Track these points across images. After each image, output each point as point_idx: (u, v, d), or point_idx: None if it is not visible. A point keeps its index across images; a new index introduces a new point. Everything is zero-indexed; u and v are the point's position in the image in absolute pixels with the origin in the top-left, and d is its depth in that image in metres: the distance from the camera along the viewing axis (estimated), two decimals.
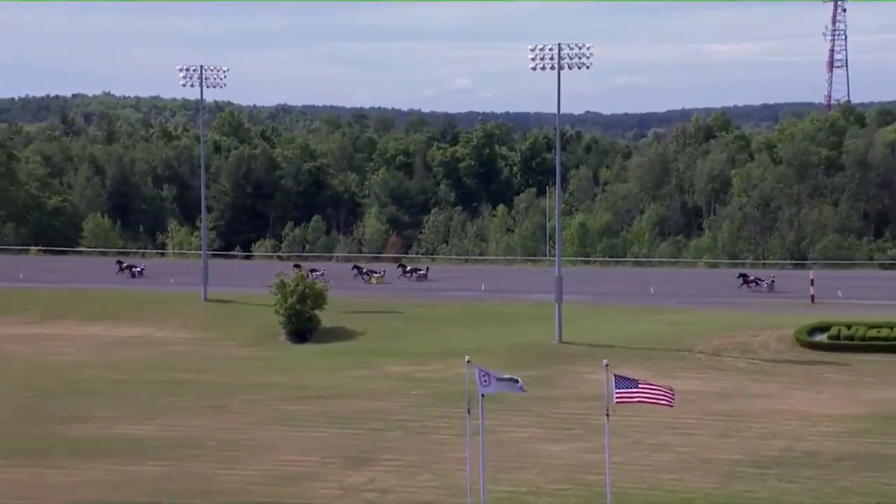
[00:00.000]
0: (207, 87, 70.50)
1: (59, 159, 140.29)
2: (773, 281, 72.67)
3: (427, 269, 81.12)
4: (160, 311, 68.35)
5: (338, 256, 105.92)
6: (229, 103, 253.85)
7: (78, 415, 41.03)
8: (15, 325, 65.50)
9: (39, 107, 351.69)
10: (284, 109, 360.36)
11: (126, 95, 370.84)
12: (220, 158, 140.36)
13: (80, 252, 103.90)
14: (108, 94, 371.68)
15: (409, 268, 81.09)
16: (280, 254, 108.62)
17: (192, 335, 63.82)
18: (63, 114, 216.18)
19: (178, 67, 70.40)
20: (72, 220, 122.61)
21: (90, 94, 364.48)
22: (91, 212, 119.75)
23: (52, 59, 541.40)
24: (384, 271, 79.32)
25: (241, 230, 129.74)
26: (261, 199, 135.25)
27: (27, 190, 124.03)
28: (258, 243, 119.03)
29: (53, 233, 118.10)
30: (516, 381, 28.18)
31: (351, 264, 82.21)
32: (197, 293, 70.43)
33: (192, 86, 70.46)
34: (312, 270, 78.41)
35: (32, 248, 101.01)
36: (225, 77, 70.55)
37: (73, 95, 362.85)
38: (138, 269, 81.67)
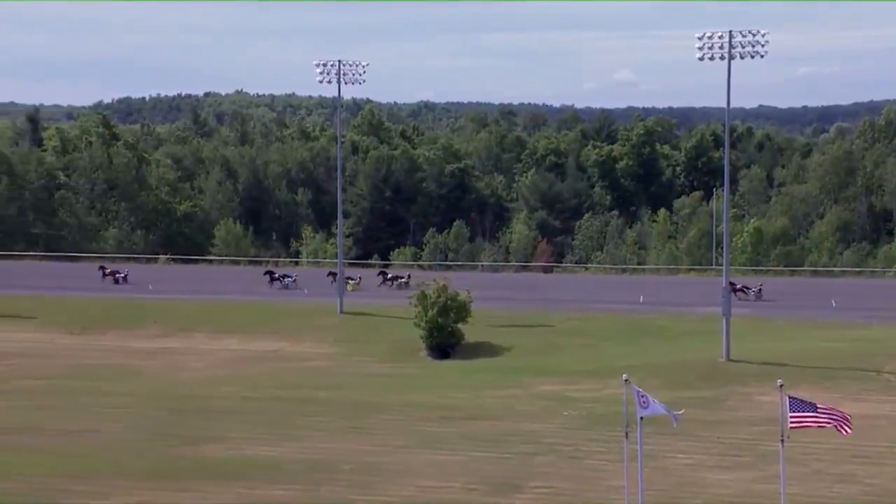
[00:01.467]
0: (345, 83, 71.57)
1: (190, 162, 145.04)
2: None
3: (409, 276, 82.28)
4: (294, 323, 69.87)
5: (482, 265, 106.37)
6: (368, 101, 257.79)
7: (210, 435, 42.22)
8: (144, 338, 68.02)
9: (171, 107, 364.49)
10: (427, 107, 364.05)
11: (260, 94, 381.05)
12: (358, 160, 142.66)
13: (210, 261, 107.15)
14: (241, 93, 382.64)
15: (389, 275, 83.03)
16: (421, 262, 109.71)
17: (328, 350, 64.97)
18: (195, 114, 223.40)
19: (314, 63, 71.65)
20: (202, 226, 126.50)
21: (223, 93, 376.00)
22: (222, 218, 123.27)
23: (185, 58, 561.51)
24: (360, 278, 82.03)
25: (380, 237, 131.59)
26: (400, 203, 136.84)
27: (157, 195, 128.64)
28: (397, 251, 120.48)
29: (183, 240, 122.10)
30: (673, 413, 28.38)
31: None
32: (332, 305, 71.68)
33: (330, 83, 71.67)
34: (284, 276, 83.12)
35: (161, 256, 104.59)
36: (364, 73, 71.58)
37: (206, 94, 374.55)
38: (121, 275, 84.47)
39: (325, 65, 71.39)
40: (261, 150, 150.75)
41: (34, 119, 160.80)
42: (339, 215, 78.47)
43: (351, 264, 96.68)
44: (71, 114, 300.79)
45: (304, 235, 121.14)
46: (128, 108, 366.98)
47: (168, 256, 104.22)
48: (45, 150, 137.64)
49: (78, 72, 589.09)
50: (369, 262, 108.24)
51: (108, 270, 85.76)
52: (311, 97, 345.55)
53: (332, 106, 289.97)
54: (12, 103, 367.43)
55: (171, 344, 66.64)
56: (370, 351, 64.11)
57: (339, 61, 71.18)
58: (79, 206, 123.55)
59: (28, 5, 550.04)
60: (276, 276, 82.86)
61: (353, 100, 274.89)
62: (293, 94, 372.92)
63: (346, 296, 72.08)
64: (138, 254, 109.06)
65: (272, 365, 61.07)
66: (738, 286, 73.34)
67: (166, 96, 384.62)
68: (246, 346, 65.94)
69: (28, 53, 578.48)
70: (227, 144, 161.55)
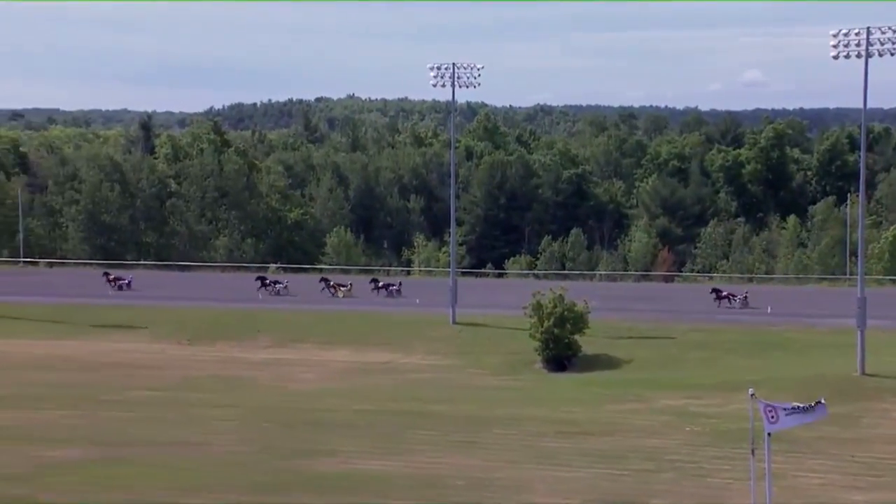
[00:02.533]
0: (459, 87, 71.64)
1: (301, 169, 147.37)
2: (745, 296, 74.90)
3: (400, 283, 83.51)
4: (406, 334, 70.28)
5: (600, 274, 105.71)
6: (483, 104, 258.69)
7: (321, 448, 42.67)
8: (254, 348, 69.18)
9: (282, 112, 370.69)
10: (543, 110, 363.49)
11: (372, 98, 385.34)
12: (472, 166, 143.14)
13: (321, 269, 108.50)
14: (352, 98, 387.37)
15: (381, 283, 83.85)
16: (536, 271, 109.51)
17: (440, 362, 65.17)
18: (306, 119, 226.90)
19: (428, 66, 71.99)
20: (313, 234, 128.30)
21: (334, 98, 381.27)
22: (333, 226, 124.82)
23: (296, 62, 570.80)
24: (351, 284, 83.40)
25: (494, 245, 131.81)
26: (515, 210, 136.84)
27: (268, 203, 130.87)
28: (512, 259, 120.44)
29: (294, 249, 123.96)
30: (816, 405, 27.16)
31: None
32: (445, 315, 71.90)
33: (444, 86, 71.85)
34: (275, 282, 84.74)
35: (272, 265, 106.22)
36: (479, 76, 71.60)
37: (317, 99, 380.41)
38: (125, 281, 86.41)
39: (439, 68, 71.70)
40: (373, 156, 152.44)
41: (146, 126, 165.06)
42: (452, 223, 78.64)
43: (464, 273, 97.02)
44: (183, 120, 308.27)
45: (416, 244, 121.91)
46: (239, 114, 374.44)
47: (278, 265, 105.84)
48: (156, 158, 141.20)
49: (190, 78, 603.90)
50: (483, 271, 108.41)
51: (112, 276, 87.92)
52: (424, 101, 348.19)
53: (445, 110, 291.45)
54: (125, 110, 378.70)
55: (282, 355, 67.56)
56: (483, 363, 64.14)
57: (454, 64, 71.42)
58: (189, 215, 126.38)
59: (141, 11, 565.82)
60: (268, 281, 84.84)
61: (468, 103, 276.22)
62: (406, 98, 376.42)
63: (460, 306, 72.11)
64: (248, 262, 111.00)
65: (383, 377, 61.51)
66: (724, 293, 76.49)
67: (277, 102, 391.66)
68: (357, 358, 66.54)
69: (140, 60, 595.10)
70: (338, 150, 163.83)
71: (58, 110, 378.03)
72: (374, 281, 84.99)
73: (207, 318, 75.06)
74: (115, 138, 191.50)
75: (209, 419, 47.69)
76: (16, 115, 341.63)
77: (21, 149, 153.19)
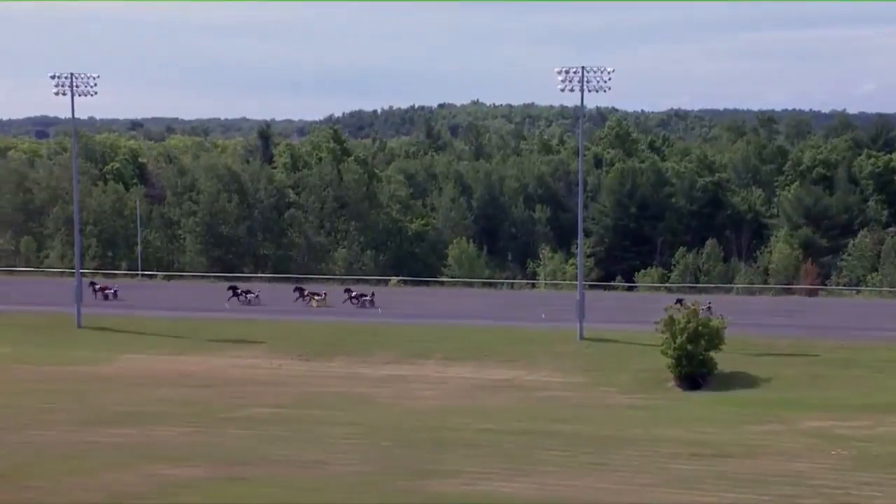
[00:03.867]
0: (588, 91, 71.68)
1: (423, 178, 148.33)
2: None
3: (373, 294, 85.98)
4: (530, 350, 70.27)
5: (738, 287, 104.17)
6: (613, 109, 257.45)
7: (443, 469, 42.83)
8: (374, 364, 69.81)
9: (403, 119, 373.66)
10: (678, 115, 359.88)
11: (497, 104, 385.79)
12: (601, 174, 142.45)
13: (442, 282, 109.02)
14: (476, 104, 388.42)
15: (354, 293, 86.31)
16: (669, 284, 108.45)
17: (567, 379, 65.03)
18: (428, 126, 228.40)
19: (556, 70, 72.20)
20: (434, 246, 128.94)
21: (458, 104, 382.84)
22: (455, 237, 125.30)
23: (419, 67, 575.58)
24: (325, 294, 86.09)
25: (624, 257, 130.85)
26: (647, 220, 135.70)
27: (388, 213, 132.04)
28: (643, 272, 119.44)
29: (414, 261, 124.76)
30: None
31: None
32: (571, 331, 71.71)
33: (572, 91, 71.92)
34: (247, 292, 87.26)
35: (392, 278, 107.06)
36: (609, 79, 71.57)
37: (440, 106, 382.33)
38: (111, 290, 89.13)
39: (567, 71, 71.78)
40: (497, 164, 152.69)
41: (265, 135, 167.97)
42: (579, 234, 78.44)
43: (591, 286, 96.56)
44: (302, 129, 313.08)
45: (541, 255, 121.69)
46: (359, 122, 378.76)
47: (399, 278, 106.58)
48: (275, 168, 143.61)
49: (310, 86, 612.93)
50: (612, 284, 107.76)
51: (99, 286, 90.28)
52: (551, 107, 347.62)
53: (573, 116, 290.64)
54: (244, 119, 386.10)
55: (402, 371, 68.07)
56: (613, 380, 63.80)
57: (583, 67, 71.46)
58: (308, 226, 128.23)
59: (261, 19, 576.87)
60: (239, 291, 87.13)
61: (597, 109, 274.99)
62: (532, 103, 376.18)
63: (587, 321, 71.80)
64: (368, 275, 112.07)
65: (508, 394, 61.51)
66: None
67: (399, 108, 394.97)
68: (479, 374, 66.68)
69: (260, 68, 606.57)
70: (461, 159, 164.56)
71: (177, 119, 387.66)
72: (348, 291, 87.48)
73: (326, 332, 76.03)
74: (234, 148, 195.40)
75: (328, 437, 48.27)
76: (135, 125, 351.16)
77: (140, 159, 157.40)
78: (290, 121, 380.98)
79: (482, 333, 74.42)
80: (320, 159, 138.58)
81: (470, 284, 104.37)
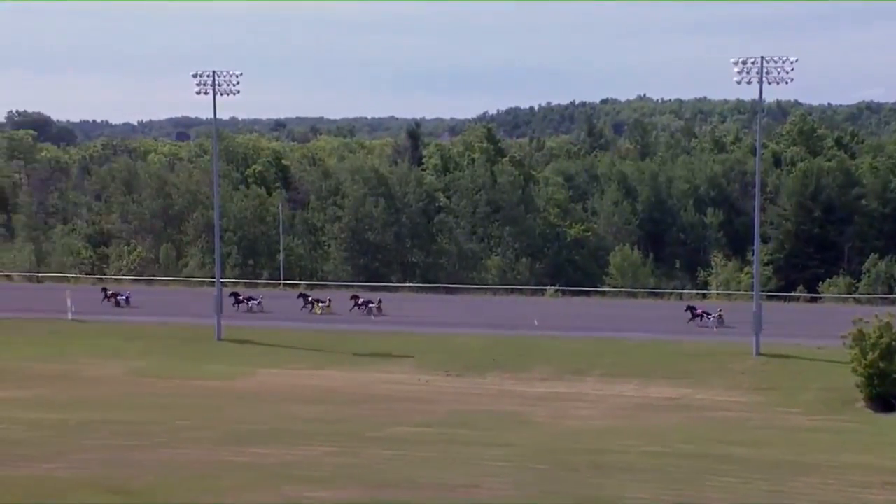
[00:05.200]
0: (768, 83, 70.79)
1: (583, 179, 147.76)
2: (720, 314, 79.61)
3: (380, 301, 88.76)
4: (700, 366, 69.32)
5: None
6: (796, 103, 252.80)
7: (604, 494, 42.32)
8: (529, 381, 69.62)
9: (563, 117, 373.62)
10: (870, 108, 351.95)
11: (665, 99, 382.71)
12: (781, 173, 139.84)
13: (604, 292, 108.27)
14: (643, 99, 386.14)
15: (361, 300, 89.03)
16: (858, 295, 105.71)
17: (741, 398, 64.04)
18: (589, 124, 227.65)
19: (732, 61, 71.46)
20: (595, 253, 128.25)
21: (622, 100, 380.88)
22: (618, 243, 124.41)
23: (580, 61, 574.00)
24: (329, 300, 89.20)
25: (806, 265, 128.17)
26: (833, 224, 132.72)
27: (545, 218, 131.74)
28: (828, 281, 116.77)
29: (573, 269, 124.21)
30: None
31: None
32: (746, 345, 70.59)
33: (749, 83, 71.19)
34: (249, 299, 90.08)
35: (549, 287, 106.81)
36: (791, 70, 70.46)
37: (602, 101, 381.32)
38: (123, 296, 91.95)
39: (744, 62, 70.95)
40: (664, 164, 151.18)
41: (415, 135, 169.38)
42: (756, 239, 77.23)
43: (770, 297, 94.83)
44: (454, 128, 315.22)
45: (713, 263, 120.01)
46: (515, 120, 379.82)
47: (556, 288, 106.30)
48: (424, 169, 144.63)
49: (461, 82, 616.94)
50: (793, 294, 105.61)
51: (110, 292, 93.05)
52: (725, 101, 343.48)
53: (750, 110, 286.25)
54: (392, 118, 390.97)
55: (559, 388, 67.81)
56: (794, 400, 62.59)
57: (762, 58, 70.58)
58: (459, 232, 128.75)
59: (409, 13, 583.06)
60: (241, 298, 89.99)
61: (777, 102, 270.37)
62: (704, 97, 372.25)
63: (766, 335, 70.41)
64: (522, 285, 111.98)
65: (675, 414, 60.76)
66: (699, 311, 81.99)
67: (558, 105, 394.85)
68: (643, 392, 66.13)
69: (409, 64, 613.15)
70: (625, 158, 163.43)
71: (321, 119, 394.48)
72: (355, 297, 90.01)
73: (478, 346, 76.13)
74: (381, 148, 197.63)
75: (479, 459, 48.18)
76: (278, 125, 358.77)
77: (283, 161, 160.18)
78: (440, 119, 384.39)
79: (647, 348, 73.67)
80: (473, 160, 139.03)
81: (634, 295, 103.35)
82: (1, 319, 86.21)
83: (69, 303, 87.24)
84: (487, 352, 74.78)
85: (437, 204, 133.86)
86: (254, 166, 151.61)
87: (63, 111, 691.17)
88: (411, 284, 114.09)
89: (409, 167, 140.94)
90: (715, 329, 79.79)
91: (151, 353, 76.59)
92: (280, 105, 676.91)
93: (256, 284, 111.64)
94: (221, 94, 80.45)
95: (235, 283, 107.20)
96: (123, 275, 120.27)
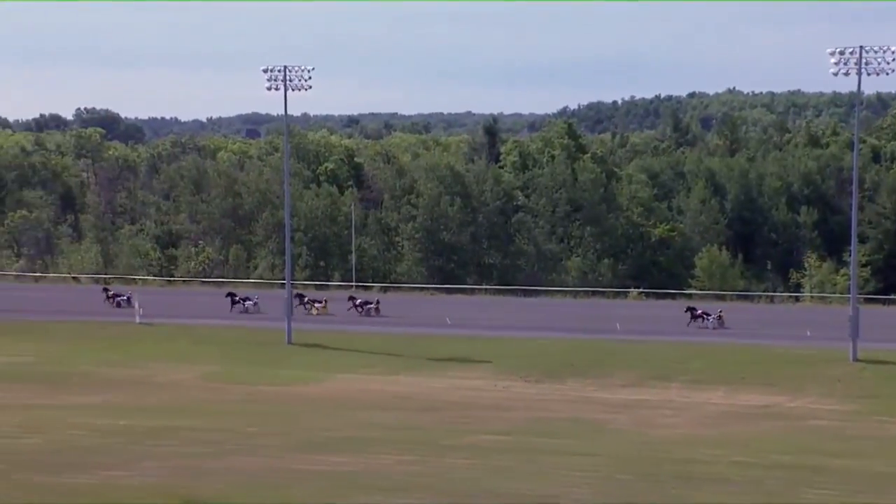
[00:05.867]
0: (867, 74, 70.10)
1: (669, 177, 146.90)
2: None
3: (377, 301, 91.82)
4: (793, 372, 68.84)
5: None
6: None
7: None
8: (611, 387, 69.48)
9: (647, 111, 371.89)
10: None
11: (756, 92, 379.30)
12: (881, 170, 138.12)
13: (689, 295, 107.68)
14: (732, 92, 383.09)
15: (358, 300, 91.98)
16: None
17: (839, 406, 63.49)
18: (675, 119, 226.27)
19: (828, 51, 70.81)
20: (681, 254, 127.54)
21: (710, 93, 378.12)
22: (705, 244, 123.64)
23: (665, 53, 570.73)
24: (326, 301, 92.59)
25: None
26: None
27: (628, 217, 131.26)
28: None
29: (657, 271, 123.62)
30: None
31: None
32: (843, 351, 70.02)
33: (847, 74, 70.49)
34: (245, 299, 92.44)
35: (632, 290, 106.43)
36: (892, 60, 69.71)
37: (690, 95, 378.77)
38: (124, 297, 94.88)
39: (842, 52, 70.32)
40: (755, 161, 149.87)
41: (492, 131, 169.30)
42: (853, 239, 76.49)
43: (868, 300, 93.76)
44: (533, 124, 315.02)
45: (807, 265, 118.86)
46: (597, 115, 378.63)
47: (639, 290, 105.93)
48: (502, 167, 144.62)
49: (541, 76, 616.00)
50: (891, 297, 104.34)
51: (112, 293, 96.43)
52: (821, 94, 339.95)
53: (848, 103, 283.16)
54: (468, 113, 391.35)
55: (642, 395, 67.61)
56: (894, 409, 61.83)
57: (861, 47, 69.95)
58: (538, 232, 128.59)
59: (485, 6, 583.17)
60: (237, 298, 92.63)
61: (877, 94, 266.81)
62: (798, 90, 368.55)
63: (862, 339, 69.62)
64: (604, 287, 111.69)
65: (766, 423, 60.30)
66: (698, 312, 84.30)
67: (642, 99, 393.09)
68: (732, 400, 65.71)
69: (485, 58, 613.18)
70: (713, 154, 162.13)
71: (395, 115, 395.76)
72: (352, 298, 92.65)
73: (558, 351, 76.09)
74: (457, 145, 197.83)
75: (559, 469, 48.17)
76: (351, 122, 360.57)
77: (356, 159, 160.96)
78: (519, 115, 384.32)
79: (735, 353, 73.25)
80: (552, 157, 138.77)
81: (722, 297, 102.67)
82: (69, 323, 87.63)
83: (137, 306, 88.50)
84: (567, 357, 74.74)
85: (514, 203, 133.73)
86: (325, 164, 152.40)
87: (132, 108, 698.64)
88: (488, 287, 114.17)
89: (486, 165, 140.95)
90: (713, 330, 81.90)
91: (221, 358, 77.40)
92: (353, 101, 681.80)
93: (328, 287, 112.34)
94: (293, 90, 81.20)
95: (305, 286, 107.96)
96: (191, 277, 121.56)
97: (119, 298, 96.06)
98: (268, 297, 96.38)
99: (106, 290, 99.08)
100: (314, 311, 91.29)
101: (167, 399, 65.45)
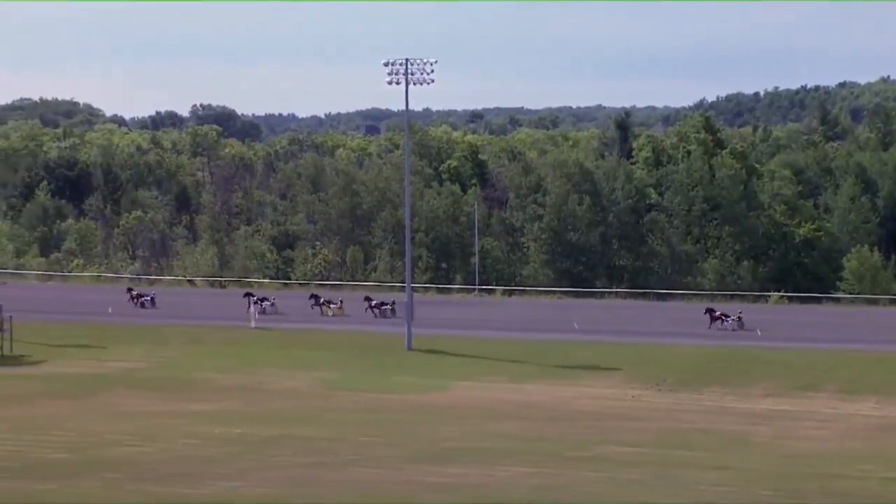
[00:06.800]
0: None
1: (815, 173, 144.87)
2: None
3: (393, 302, 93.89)
4: None
5: None
6: None
7: None
8: (751, 397, 68.90)
9: (792, 103, 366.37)
10: None
11: None
12: None
13: (837, 299, 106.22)
14: (886, 81, 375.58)
15: (374, 301, 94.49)
16: None
17: None
18: (823, 110, 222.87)
19: None
20: (828, 255, 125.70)
21: (861, 83, 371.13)
22: (855, 244, 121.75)
23: (812, 40, 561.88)
24: (341, 301, 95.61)
25: None
26: None
27: (770, 216, 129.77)
28: None
29: (802, 273, 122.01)
30: None
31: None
32: None
33: None
34: (262, 300, 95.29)
35: (773, 293, 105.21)
36: None
37: (839, 85, 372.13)
38: (148, 297, 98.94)
39: None
40: None
41: (624, 125, 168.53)
42: None
43: None
44: (668, 117, 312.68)
45: None
46: (737, 108, 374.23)
47: (782, 294, 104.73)
48: (634, 163, 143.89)
49: (676, 67, 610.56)
50: None
51: (135, 292, 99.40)
52: None
53: None
54: (599, 107, 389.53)
55: (785, 406, 67.05)
56: None
57: None
58: (672, 232, 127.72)
59: None
60: (255, 299, 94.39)
61: None
62: None
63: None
64: (743, 290, 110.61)
65: None
66: (717, 314, 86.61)
67: (786, 90, 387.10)
68: (886, 412, 65.14)
69: (617, 48, 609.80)
70: (863, 148, 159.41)
71: (521, 109, 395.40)
72: (368, 299, 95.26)
73: (693, 358, 75.65)
74: (587, 141, 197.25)
75: (695, 483, 47.88)
76: (475, 117, 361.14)
77: (479, 156, 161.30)
78: (652, 108, 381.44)
79: (889, 361, 72.09)
80: (688, 153, 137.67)
81: (874, 302, 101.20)
82: (185, 327, 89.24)
83: (252, 310, 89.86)
84: (703, 364, 74.27)
85: (647, 201, 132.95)
86: (448, 161, 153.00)
87: (248, 104, 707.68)
88: (618, 290, 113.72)
89: (618, 161, 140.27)
90: (733, 332, 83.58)
91: (338, 364, 78.17)
92: (477, 95, 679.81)
93: (449, 290, 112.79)
94: (414, 84, 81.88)
95: (426, 289, 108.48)
96: (308, 279, 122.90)
97: (143, 298, 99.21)
98: (286, 297, 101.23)
99: (130, 290, 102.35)
100: (329, 312, 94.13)
101: (282, 407, 66.29)
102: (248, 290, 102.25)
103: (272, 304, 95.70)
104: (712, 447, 56.30)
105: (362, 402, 68.47)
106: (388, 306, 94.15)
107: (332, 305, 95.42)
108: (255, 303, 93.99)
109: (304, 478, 46.58)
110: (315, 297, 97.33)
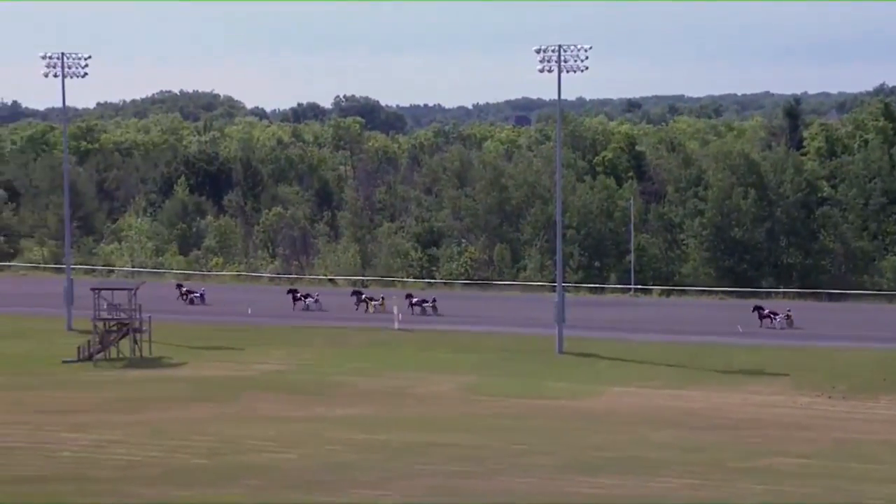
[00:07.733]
0: None
1: None
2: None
3: (434, 300, 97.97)
4: None
5: None
6: None
7: None
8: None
9: None
10: None
11: None
12: None
13: None
14: None
15: (415, 299, 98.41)
16: None
17: None
18: None
19: None
20: None
21: None
22: None
23: None
24: (383, 298, 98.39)
25: None
26: None
27: None
28: None
29: None
30: None
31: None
32: None
33: None
34: (306, 296, 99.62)
35: None
36: None
37: None
38: (197, 294, 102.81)
39: None
40: None
41: (793, 113, 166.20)
42: None
43: None
44: (843, 104, 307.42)
45: None
46: None
47: None
48: (805, 154, 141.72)
49: (851, 50, 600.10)
50: None
51: (185, 289, 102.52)
52: None
53: None
54: (766, 94, 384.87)
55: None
56: None
57: None
58: (847, 227, 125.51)
59: None
60: (299, 295, 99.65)
61: None
62: None
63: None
64: None
65: None
66: (766, 312, 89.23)
67: None
68: None
69: (785, 32, 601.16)
70: None
71: (682, 97, 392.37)
72: (409, 296, 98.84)
73: (869, 363, 74.50)
74: (753, 130, 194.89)
75: (871, 498, 47.41)
76: (632, 106, 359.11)
77: (636, 147, 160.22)
78: (825, 94, 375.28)
79: None
80: (865, 142, 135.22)
81: None
82: (325, 329, 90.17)
83: (395, 311, 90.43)
84: (880, 370, 73.06)
85: (819, 195, 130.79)
86: (602, 153, 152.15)
87: (393, 95, 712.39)
88: (786, 290, 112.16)
89: (786, 151, 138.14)
90: (781, 330, 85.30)
91: (485, 368, 78.26)
92: (634, 82, 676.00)
93: (602, 290, 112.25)
94: (567, 72, 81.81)
95: (578, 288, 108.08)
96: (454, 278, 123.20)
97: (192, 295, 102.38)
98: (330, 294, 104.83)
99: (179, 286, 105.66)
100: (371, 309, 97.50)
101: (426, 412, 66.62)
102: (292, 287, 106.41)
103: (316, 301, 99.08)
104: (890, 459, 55.38)
105: (510, 407, 68.44)
106: (429, 304, 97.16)
107: (373, 302, 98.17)
108: (299, 299, 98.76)
109: (447, 487, 46.80)
110: (357, 293, 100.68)
